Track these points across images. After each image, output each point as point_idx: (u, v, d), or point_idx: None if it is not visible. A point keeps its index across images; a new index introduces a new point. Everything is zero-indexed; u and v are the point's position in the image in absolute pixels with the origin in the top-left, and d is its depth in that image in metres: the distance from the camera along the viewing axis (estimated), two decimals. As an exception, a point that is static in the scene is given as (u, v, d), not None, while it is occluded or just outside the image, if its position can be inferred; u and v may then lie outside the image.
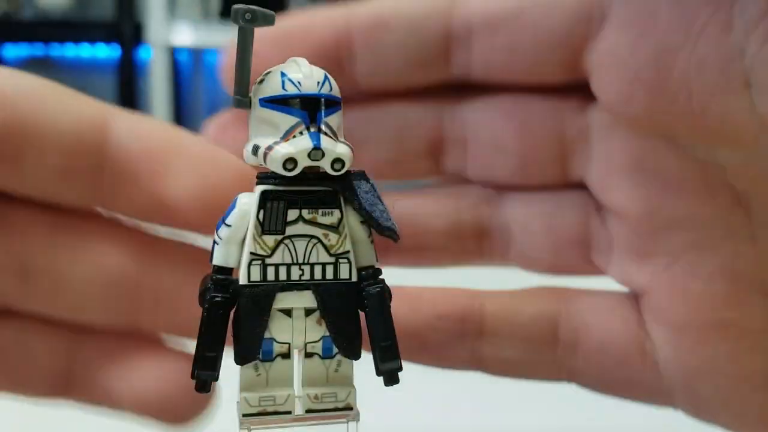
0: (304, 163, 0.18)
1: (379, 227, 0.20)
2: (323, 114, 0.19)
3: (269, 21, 0.19)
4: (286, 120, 0.19)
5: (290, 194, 0.19)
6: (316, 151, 0.18)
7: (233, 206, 0.19)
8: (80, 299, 0.23)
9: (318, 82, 0.19)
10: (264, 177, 0.19)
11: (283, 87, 0.19)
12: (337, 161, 0.19)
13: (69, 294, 0.23)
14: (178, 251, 0.24)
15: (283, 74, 0.19)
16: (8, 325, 0.24)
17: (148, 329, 0.24)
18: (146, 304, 0.23)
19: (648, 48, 0.22)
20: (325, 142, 0.19)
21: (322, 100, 0.19)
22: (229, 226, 0.19)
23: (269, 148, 0.19)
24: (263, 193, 0.19)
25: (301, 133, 0.19)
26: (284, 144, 0.18)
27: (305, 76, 0.19)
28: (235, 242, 0.19)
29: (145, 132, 0.23)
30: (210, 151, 0.23)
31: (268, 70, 0.19)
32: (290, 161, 0.18)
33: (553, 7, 0.24)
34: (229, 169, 0.22)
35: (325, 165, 0.19)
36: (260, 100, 0.19)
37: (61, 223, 0.23)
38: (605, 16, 0.23)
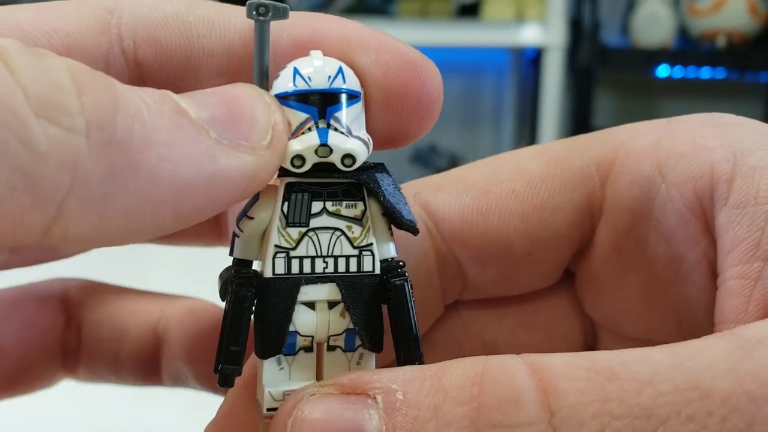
0: (312, 159, 0.18)
1: (400, 220, 0.20)
2: (334, 109, 0.19)
3: (283, 15, 0.18)
4: (297, 116, 0.19)
5: (314, 186, 0.19)
6: (324, 148, 0.18)
7: (256, 198, 0.19)
8: None
9: (329, 77, 0.19)
10: (287, 169, 0.19)
11: (294, 82, 0.19)
12: (347, 157, 0.19)
13: None
14: None
15: (295, 70, 0.19)
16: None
17: None
18: None
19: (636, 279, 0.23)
20: (334, 138, 0.18)
21: (333, 94, 0.19)
22: (251, 218, 0.19)
23: None
24: (288, 185, 0.19)
25: (309, 129, 0.18)
26: (293, 141, 0.18)
27: (316, 70, 0.19)
28: (257, 235, 0.19)
29: None
30: None
31: (286, 65, 0.19)
32: (298, 158, 0.18)
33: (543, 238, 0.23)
34: None
35: (335, 161, 0.19)
36: (275, 96, 0.19)
37: None
38: (594, 242, 0.23)
